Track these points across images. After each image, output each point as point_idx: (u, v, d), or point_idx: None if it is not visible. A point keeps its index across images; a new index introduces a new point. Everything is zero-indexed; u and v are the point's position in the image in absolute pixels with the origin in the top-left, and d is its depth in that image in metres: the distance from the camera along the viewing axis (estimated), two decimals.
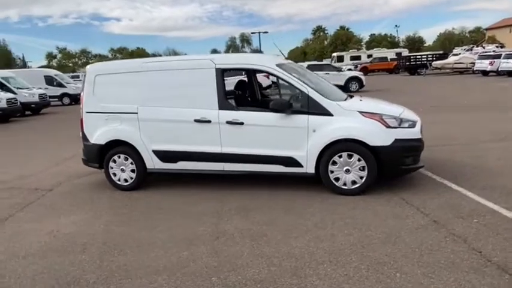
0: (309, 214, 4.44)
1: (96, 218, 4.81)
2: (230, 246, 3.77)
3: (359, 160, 4.84)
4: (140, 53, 73.51)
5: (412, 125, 4.98)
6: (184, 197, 5.34)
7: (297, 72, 5.51)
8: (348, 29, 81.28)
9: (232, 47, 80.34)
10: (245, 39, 71.11)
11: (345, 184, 4.94)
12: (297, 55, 79.29)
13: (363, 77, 21.94)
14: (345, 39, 75.09)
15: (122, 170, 5.78)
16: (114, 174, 5.83)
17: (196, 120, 5.27)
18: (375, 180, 4.89)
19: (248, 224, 4.27)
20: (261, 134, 5.12)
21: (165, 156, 5.55)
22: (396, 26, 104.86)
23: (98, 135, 5.79)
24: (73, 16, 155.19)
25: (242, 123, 5.14)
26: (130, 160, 5.71)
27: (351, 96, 5.94)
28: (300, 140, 4.97)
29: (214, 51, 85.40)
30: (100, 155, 5.83)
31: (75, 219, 4.80)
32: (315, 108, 4.94)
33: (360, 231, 3.90)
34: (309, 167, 5.01)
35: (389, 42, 73.78)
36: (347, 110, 4.92)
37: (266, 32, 51.14)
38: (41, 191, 6.09)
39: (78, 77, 34.60)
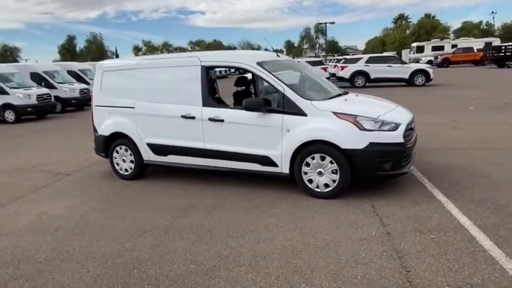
0: (268, 215, 4.41)
1: (84, 203, 5.25)
2: (172, 241, 3.91)
3: (331, 163, 4.66)
4: (216, 46, 75.99)
5: (393, 127, 4.64)
6: (171, 190, 5.58)
7: (284, 69, 5.42)
8: (433, 17, 75.44)
9: (307, 38, 79.41)
10: (319, 30, 69.67)
11: (318, 187, 4.80)
12: (375, 45, 75.83)
13: (430, 70, 20.34)
14: (429, 28, 69.85)
15: (123, 161, 6.21)
16: (117, 164, 6.29)
17: (183, 116, 5.46)
18: (348, 184, 4.67)
19: (205, 220, 4.37)
20: (239, 131, 5.15)
21: (157, 149, 5.84)
22: (492, 12, 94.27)
23: (104, 127, 6.27)
24: (162, 10, 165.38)
25: (222, 121, 5.22)
26: (129, 151, 6.10)
27: (346, 93, 5.71)
28: (275, 139, 4.92)
29: (288, 43, 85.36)
30: (106, 146, 6.32)
31: (68, 203, 5.29)
32: (289, 108, 4.84)
33: (302, 237, 3.80)
34: (284, 167, 4.94)
35: (482, 31, 67.01)
36: (321, 111, 4.73)
37: (333, 23, 49.62)
38: (60, 176, 6.78)
39: None
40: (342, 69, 21.72)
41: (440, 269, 3.08)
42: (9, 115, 15.24)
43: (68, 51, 71.53)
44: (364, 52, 67.82)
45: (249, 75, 6.18)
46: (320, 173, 4.74)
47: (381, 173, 4.62)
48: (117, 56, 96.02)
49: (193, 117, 5.39)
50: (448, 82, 21.02)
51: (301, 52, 78.17)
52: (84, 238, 4.13)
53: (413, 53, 48.53)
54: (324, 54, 68.49)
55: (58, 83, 18.04)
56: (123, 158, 6.19)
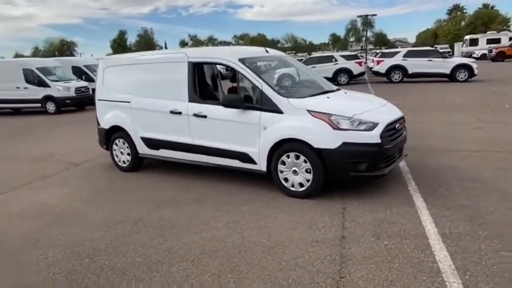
0: (236, 212, 4.42)
1: (77, 192, 5.53)
2: (136, 234, 4.03)
3: (305, 162, 4.57)
4: (260, 40, 76.11)
5: (370, 127, 4.45)
6: (160, 183, 5.72)
7: (269, 65, 5.36)
8: (492, 7, 70.51)
9: (353, 30, 77.25)
10: (367, 22, 67.42)
11: (293, 185, 4.73)
12: (427, 38, 72.33)
13: (474, 65, 19.08)
14: (486, 19, 65.41)
15: (121, 153, 6.46)
16: (117, 156, 6.55)
17: (171, 112, 5.58)
18: (321, 184, 4.56)
19: (174, 215, 4.46)
20: (221, 128, 5.18)
21: (149, 143, 6.02)
22: None
23: (105, 121, 6.55)
24: (211, 5, 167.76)
25: (205, 117, 5.28)
26: (126, 144, 6.34)
27: (338, 90, 5.57)
28: (253, 136, 4.90)
29: (334, 36, 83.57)
30: (106, 138, 6.61)
31: (63, 192, 5.60)
32: (267, 105, 4.80)
33: (257, 236, 3.78)
34: (262, 165, 4.92)
35: None
36: (296, 108, 4.64)
37: (375, 15, 47.83)
38: (70, 165, 7.17)
39: None
40: (378, 64, 20.98)
41: (376, 277, 2.95)
42: (50, 106, 16.26)
43: (119, 46, 74.75)
44: (415, 45, 64.78)
45: (267, 69, 6.12)
46: (295, 172, 4.67)
47: (354, 174, 4.46)
48: None
49: (180, 113, 5.49)
50: (496, 78, 19.62)
51: (346, 45, 76.29)
52: (60, 226, 4.37)
53: (466, 46, 45.72)
54: (371, 47, 66.36)
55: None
56: (121, 150, 6.44)
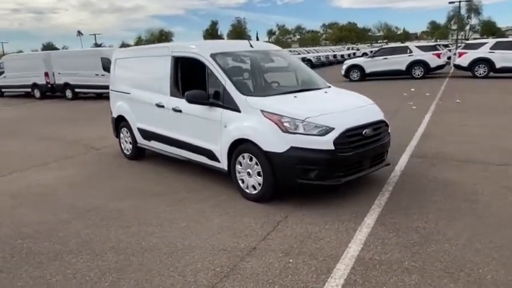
0: (180, 210, 4.39)
1: (72, 176, 5.96)
2: (77, 221, 4.19)
3: (257, 164, 4.35)
4: (349, 28, 73.18)
5: (323, 132, 4.05)
6: (146, 173, 5.91)
7: (247, 61, 5.16)
8: None
9: (456, 18, 69.90)
10: (473, 9, 60.53)
11: (248, 187, 4.54)
12: None
13: None
14: None
15: (125, 141, 6.81)
16: (123, 144, 6.92)
17: (156, 105, 5.71)
18: (271, 188, 4.30)
19: (127, 207, 4.55)
20: (192, 123, 5.16)
21: (143, 134, 6.24)
22: None
23: (114, 110, 6.95)
24: None
25: (181, 111, 5.30)
26: (129, 134, 6.66)
27: (323, 88, 5.21)
28: (216, 134, 4.80)
29: (433, 24, 76.83)
30: (115, 127, 7.01)
31: (62, 174, 6.10)
32: (228, 102, 4.65)
33: (175, 238, 3.71)
34: (224, 164, 4.80)
35: None
36: (251, 108, 4.41)
37: (469, 1, 42.50)
38: (92, 150, 7.77)
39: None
40: (460, 56, 18.81)
41: None
42: None
43: (210, 36, 78.05)
44: None
45: (241, 65, 5.99)
46: (249, 174, 4.47)
47: (302, 181, 4.11)
48: (257, 40, 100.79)
49: (163, 106, 5.58)
50: None
51: (446, 34, 69.55)
52: (29, 207, 4.74)
53: None
54: (476, 37, 59.70)
55: None
56: (125, 139, 6.79)
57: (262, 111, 4.31)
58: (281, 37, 79.22)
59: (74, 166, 6.57)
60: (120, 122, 6.85)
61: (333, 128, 4.08)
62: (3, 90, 21.96)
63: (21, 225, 4.22)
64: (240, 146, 4.50)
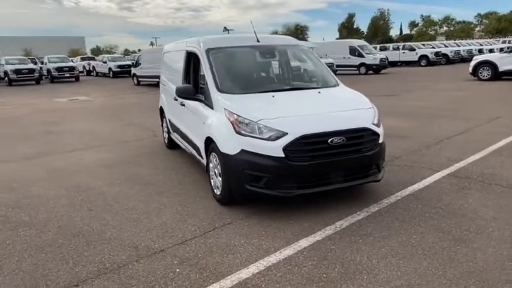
0: (145, 200, 4.50)
1: (110, 160, 6.48)
2: (72, 204, 4.56)
3: (219, 165, 4.16)
4: (510, 18, 62.20)
5: (276, 137, 3.63)
6: (172, 165, 5.98)
7: (246, 56, 4.96)
8: None
9: None
10: None
11: (215, 188, 4.38)
12: None
13: None
14: None
15: (164, 131, 7.22)
16: (163, 133, 7.36)
17: (174, 98, 5.90)
18: (228, 193, 4.05)
19: (110, 191, 4.86)
20: (189, 118, 5.19)
21: (170, 125, 6.53)
22: None
23: (160, 101, 7.42)
24: None
25: (184, 105, 5.38)
26: (165, 124, 7.05)
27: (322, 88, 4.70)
28: (200, 129, 4.74)
29: None
30: (160, 117, 7.48)
31: (105, 156, 6.70)
32: (206, 99, 4.55)
33: (104, 226, 3.85)
34: (204, 161, 4.72)
35: None
36: (219, 105, 4.20)
37: None
38: (153, 137, 8.40)
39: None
40: None
41: None
42: (362, 70, 25.20)
43: (346, 29, 75.92)
44: None
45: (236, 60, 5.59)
46: (216, 174, 4.31)
47: (252, 188, 3.76)
48: (400, 33, 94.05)
49: (176, 100, 5.74)
50: None
51: None
52: (40, 182, 5.36)
53: None
54: None
55: (366, 53, 25.49)
56: (164, 128, 7.19)
57: (225, 109, 4.09)
58: (425, 29, 72.15)
59: (119, 150, 7.22)
60: (162, 113, 7.27)
61: (286, 133, 3.62)
62: (140, 79, 25.32)
63: (10, 198, 4.82)
64: (211, 145, 4.35)
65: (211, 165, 4.44)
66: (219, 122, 4.10)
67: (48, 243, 3.53)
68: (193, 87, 4.90)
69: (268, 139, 3.66)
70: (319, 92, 4.54)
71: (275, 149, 3.61)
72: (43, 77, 28.01)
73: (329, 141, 3.69)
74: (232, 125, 3.89)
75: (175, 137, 6.36)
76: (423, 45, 35.08)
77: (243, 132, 3.80)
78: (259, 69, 5.12)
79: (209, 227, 3.72)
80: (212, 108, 4.37)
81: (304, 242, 3.33)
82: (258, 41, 5.18)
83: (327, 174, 3.78)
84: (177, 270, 2.99)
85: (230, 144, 3.88)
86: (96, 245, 3.45)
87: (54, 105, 14.89)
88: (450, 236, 3.36)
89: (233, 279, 2.82)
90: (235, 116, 3.91)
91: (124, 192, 4.84)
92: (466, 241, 3.28)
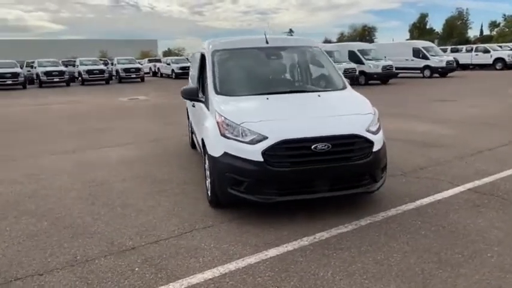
0: (146, 202, 4.56)
1: (133, 157, 6.77)
2: (79, 197, 4.84)
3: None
4: None
5: (256, 140, 3.52)
6: (186, 165, 6.12)
7: (251, 58, 4.89)
8: None
9: None
10: None
11: (208, 189, 4.36)
12: None
13: None
14: None
15: (188, 131, 7.37)
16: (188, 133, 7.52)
17: None
18: (215, 196, 4.01)
19: (128, 192, 4.91)
20: (196, 119, 5.25)
21: (190, 125, 6.65)
22: None
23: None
24: None
25: (194, 106, 5.44)
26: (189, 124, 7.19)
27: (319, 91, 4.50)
28: (200, 131, 4.76)
29: None
30: (188, 117, 7.64)
31: (129, 154, 6.96)
32: (206, 100, 4.55)
33: (98, 219, 4.00)
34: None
35: None
36: (213, 107, 4.17)
37: None
38: (183, 136, 8.63)
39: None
40: None
41: None
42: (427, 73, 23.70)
43: (417, 29, 71.87)
44: None
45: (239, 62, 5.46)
46: (208, 175, 4.29)
47: (233, 192, 3.69)
48: (481, 34, 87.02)
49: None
50: None
51: None
52: (63, 173, 5.76)
53: None
54: None
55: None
56: (188, 129, 7.34)
57: (216, 111, 4.06)
58: (507, 29, 65.83)
59: (147, 148, 7.49)
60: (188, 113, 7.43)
61: (266, 137, 3.50)
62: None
63: (24, 184, 5.24)
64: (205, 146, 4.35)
65: (205, 166, 4.43)
66: (210, 123, 4.08)
67: (39, 233, 3.76)
68: (198, 88, 4.93)
69: (250, 142, 3.58)
70: (319, 96, 4.34)
71: (254, 153, 3.51)
72: (112, 77, 30.07)
73: (313, 147, 3.50)
74: (219, 126, 3.85)
75: (194, 137, 6.45)
76: (500, 47, 32.18)
77: (227, 134, 3.74)
78: (261, 71, 5.01)
79: (189, 228, 3.71)
80: (208, 109, 4.36)
81: (273, 252, 3.19)
82: (267, 42, 5.07)
83: (311, 181, 3.59)
84: (136, 269, 3.02)
85: (215, 146, 3.85)
86: (79, 238, 3.61)
87: (115, 104, 15.89)
88: (436, 258, 3.02)
89: (183, 283, 2.78)
90: (222, 118, 3.87)
91: (130, 189, 5.00)
92: (453, 265, 2.92)
